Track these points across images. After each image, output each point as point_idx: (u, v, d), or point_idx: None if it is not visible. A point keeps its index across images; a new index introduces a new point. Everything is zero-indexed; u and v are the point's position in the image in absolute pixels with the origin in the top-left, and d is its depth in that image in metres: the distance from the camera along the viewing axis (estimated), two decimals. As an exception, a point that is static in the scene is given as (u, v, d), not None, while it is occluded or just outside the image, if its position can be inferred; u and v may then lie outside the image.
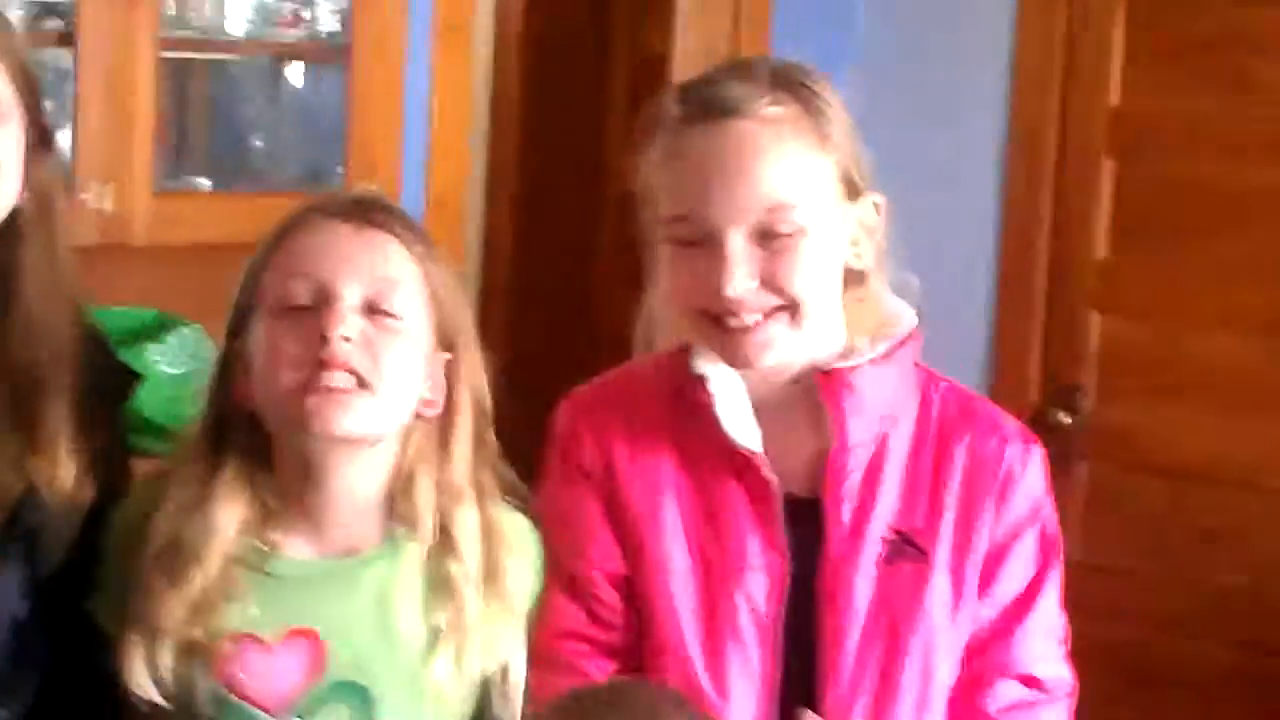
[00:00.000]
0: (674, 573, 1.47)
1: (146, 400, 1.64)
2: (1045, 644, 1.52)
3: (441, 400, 1.44)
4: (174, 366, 2.08)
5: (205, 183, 3.14)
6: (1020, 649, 1.50)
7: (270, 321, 1.36)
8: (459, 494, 1.45)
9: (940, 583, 1.45)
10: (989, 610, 1.48)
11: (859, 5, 3.65)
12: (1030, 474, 1.51)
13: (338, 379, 1.32)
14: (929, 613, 1.45)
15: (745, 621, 1.44)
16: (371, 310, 1.35)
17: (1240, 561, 3.09)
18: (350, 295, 1.34)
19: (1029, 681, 1.50)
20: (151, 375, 1.66)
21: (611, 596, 1.47)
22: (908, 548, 1.48)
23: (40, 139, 1.47)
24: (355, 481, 1.42)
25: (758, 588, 1.44)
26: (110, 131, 2.66)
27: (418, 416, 1.42)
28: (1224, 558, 3.12)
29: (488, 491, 1.47)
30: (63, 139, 2.49)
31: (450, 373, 1.45)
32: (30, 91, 1.45)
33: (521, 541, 1.48)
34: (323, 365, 1.31)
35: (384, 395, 1.36)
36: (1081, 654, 1.57)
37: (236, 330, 1.43)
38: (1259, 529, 3.07)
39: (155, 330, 2.08)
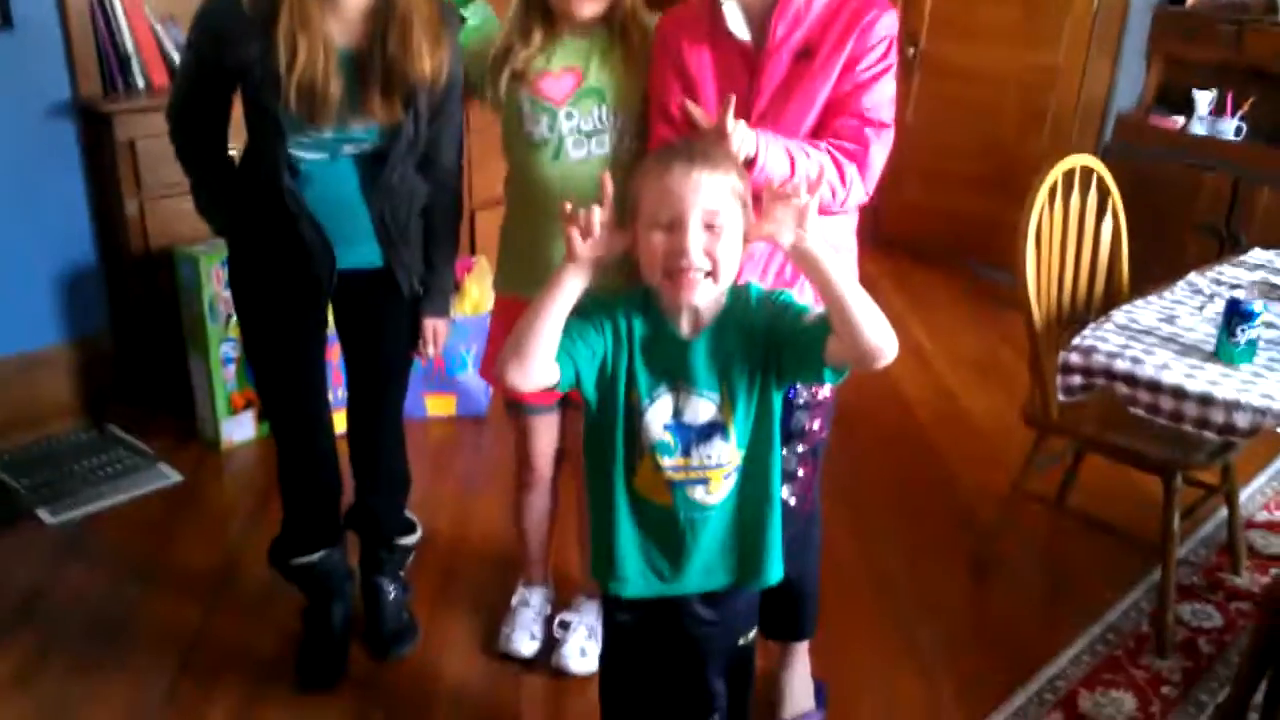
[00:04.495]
0: (707, 91, 1.88)
1: (464, 32, 2.17)
2: (875, 105, 1.82)
3: None
4: (474, 18, 2.67)
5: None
6: (858, 103, 1.83)
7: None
8: None
9: (819, 68, 1.84)
10: (846, 86, 1.83)
11: None
12: (884, 20, 1.82)
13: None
14: (810, 80, 1.84)
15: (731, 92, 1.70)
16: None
17: (980, 110, 4.84)
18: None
19: (860, 118, 1.84)
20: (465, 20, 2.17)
21: (677, 110, 1.86)
22: (805, 52, 1.86)
23: None
24: None
25: (741, 85, 1.85)
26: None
27: None
28: (978, 110, 4.85)
29: None
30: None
31: None
32: None
33: None
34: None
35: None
36: (899, 143, 1.90)
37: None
38: (994, 92, 4.80)
39: (466, 2, 2.69)
